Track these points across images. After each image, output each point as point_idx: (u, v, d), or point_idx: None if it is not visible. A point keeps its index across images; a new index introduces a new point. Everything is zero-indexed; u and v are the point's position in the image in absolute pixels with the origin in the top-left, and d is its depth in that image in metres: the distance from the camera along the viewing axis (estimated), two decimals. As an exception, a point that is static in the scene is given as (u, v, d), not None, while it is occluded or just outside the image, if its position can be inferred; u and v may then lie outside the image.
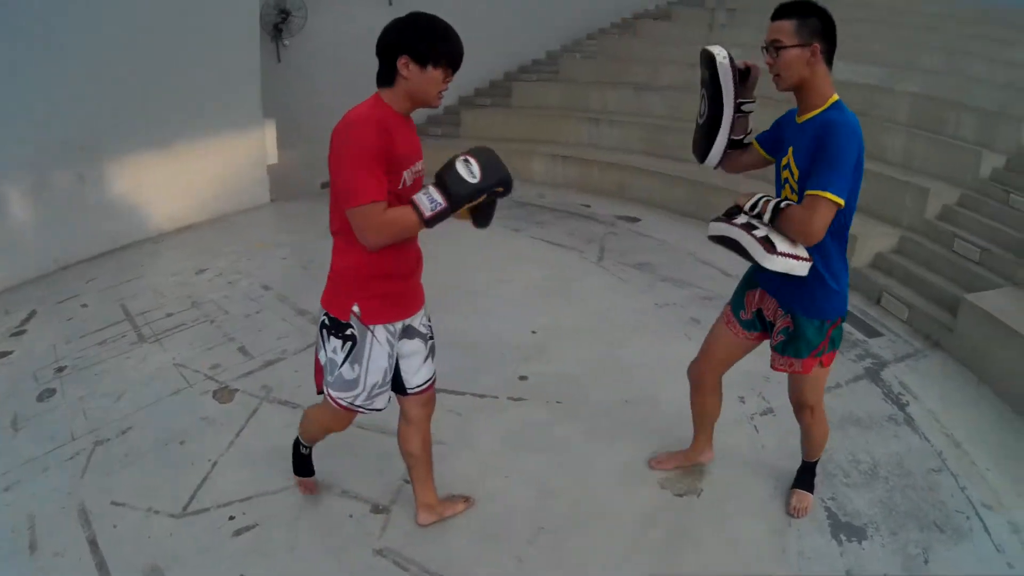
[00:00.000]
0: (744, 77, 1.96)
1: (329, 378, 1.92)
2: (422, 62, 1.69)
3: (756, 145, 2.10)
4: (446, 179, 1.65)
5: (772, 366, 2.19)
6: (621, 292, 4.34)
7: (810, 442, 2.39)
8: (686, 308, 4.12)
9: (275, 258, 4.90)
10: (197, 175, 5.63)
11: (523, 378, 3.24)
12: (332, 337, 1.86)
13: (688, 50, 8.16)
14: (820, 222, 1.77)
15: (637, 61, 8.22)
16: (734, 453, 2.75)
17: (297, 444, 2.32)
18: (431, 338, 2.05)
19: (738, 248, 1.91)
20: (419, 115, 8.27)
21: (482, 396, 3.09)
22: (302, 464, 2.36)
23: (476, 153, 1.70)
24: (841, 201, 1.75)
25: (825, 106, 1.85)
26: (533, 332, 3.71)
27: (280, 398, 3.09)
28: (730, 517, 2.42)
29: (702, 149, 2.10)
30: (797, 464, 2.53)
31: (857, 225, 4.68)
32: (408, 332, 1.97)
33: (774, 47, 1.85)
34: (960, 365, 3.58)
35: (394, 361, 1.94)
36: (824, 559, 2.24)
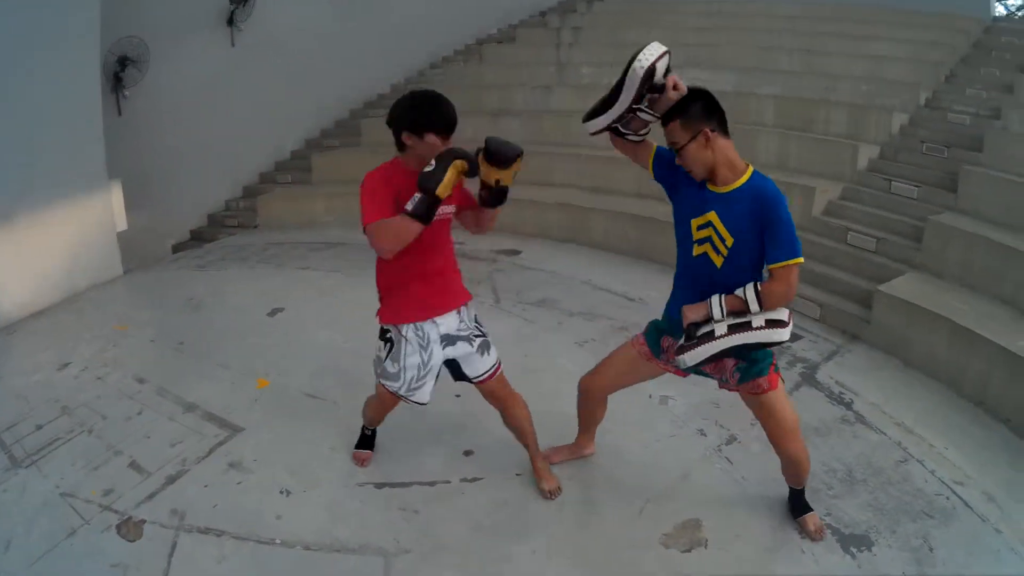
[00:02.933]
0: (656, 90, 2.20)
1: (379, 370, 2.70)
2: (419, 132, 2.36)
3: (651, 154, 2.44)
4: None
5: (742, 396, 2.53)
6: (533, 336, 4.49)
7: (798, 470, 2.67)
8: (607, 343, 4.33)
9: (142, 340, 4.68)
10: (43, 250, 5.44)
11: (468, 453, 3.24)
12: (379, 339, 2.68)
13: (538, 72, 8.99)
14: (796, 284, 2.23)
15: (488, 87, 8.77)
16: (719, 492, 2.99)
17: (363, 428, 3.18)
18: (479, 336, 2.73)
19: (744, 349, 2.24)
20: (268, 160, 7.88)
21: (432, 483, 3.05)
22: (365, 441, 3.20)
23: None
24: (802, 259, 2.19)
25: (745, 177, 2.27)
26: (457, 396, 3.68)
27: (198, 525, 2.80)
28: (745, 560, 2.63)
29: (588, 116, 2.37)
30: (781, 486, 2.83)
31: None
32: (449, 340, 2.65)
33: (675, 149, 2.25)
34: (884, 354, 4.19)
35: (432, 362, 2.63)
36: (846, 576, 2.52)
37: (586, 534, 2.77)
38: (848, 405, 3.66)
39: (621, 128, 2.35)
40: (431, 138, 2.34)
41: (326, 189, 7.58)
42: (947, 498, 2.97)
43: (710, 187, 2.30)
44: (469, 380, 2.78)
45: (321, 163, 8.08)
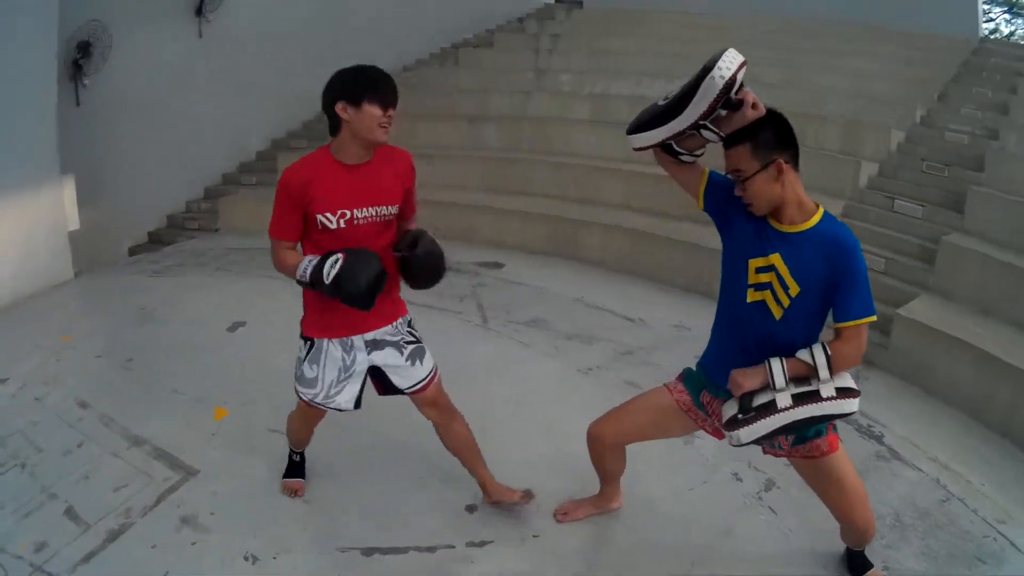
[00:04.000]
0: (730, 106, 1.95)
1: (297, 372, 2.51)
2: (356, 102, 2.17)
3: (704, 180, 2.20)
4: (321, 264, 2.16)
5: (796, 465, 2.31)
6: (530, 361, 4.27)
7: (862, 538, 2.47)
8: (612, 369, 4.20)
9: (88, 356, 4.34)
10: (-12, 252, 5.24)
11: (471, 509, 2.92)
12: (300, 337, 2.50)
13: (516, 78, 8.91)
14: (865, 343, 2.02)
15: (464, 92, 8.68)
16: (766, 549, 2.80)
17: (291, 452, 2.97)
18: (411, 342, 2.53)
19: (814, 420, 2.00)
20: (232, 161, 7.65)
21: (432, 549, 2.70)
22: (293, 469, 2.98)
23: (350, 259, 2.16)
24: (876, 317, 2.03)
25: (817, 219, 2.03)
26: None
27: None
28: None
29: (635, 127, 2.14)
30: (829, 537, 2.67)
31: None
32: (375, 345, 2.48)
33: (738, 178, 2.01)
34: (902, 381, 4.16)
35: (355, 367, 2.47)
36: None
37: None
38: (879, 439, 3.58)
39: (675, 145, 2.10)
40: (369, 108, 2.17)
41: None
42: (994, 539, 2.90)
43: (774, 224, 2.05)
44: (402, 392, 2.58)
45: (288, 163, 7.77)
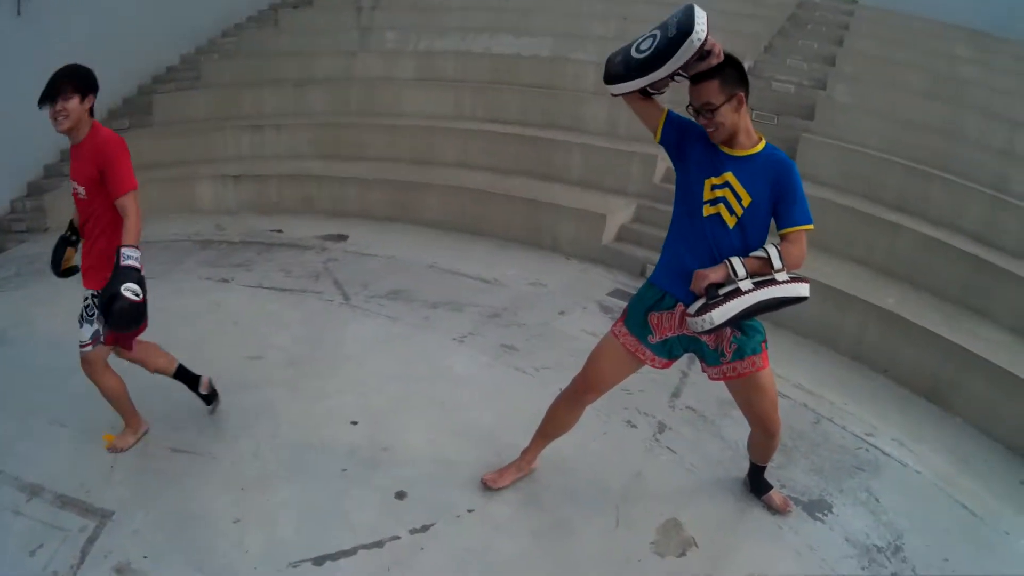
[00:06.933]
0: (701, 57, 2.29)
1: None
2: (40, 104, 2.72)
3: (663, 116, 2.52)
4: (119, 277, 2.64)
5: (728, 378, 2.63)
6: (403, 336, 4.31)
7: (770, 444, 2.88)
8: (484, 335, 4.35)
9: None
10: None
11: (401, 495, 2.95)
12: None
13: (340, 39, 8.75)
14: (806, 249, 2.43)
15: (286, 55, 8.45)
16: (677, 485, 3.12)
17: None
18: (84, 308, 2.89)
19: (769, 306, 2.35)
20: (52, 151, 6.91)
21: (380, 544, 2.70)
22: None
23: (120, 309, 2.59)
24: (813, 226, 2.43)
25: (762, 144, 2.45)
26: (353, 423, 3.44)
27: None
28: (738, 550, 2.81)
29: (616, 75, 2.44)
30: (727, 466, 3.10)
31: (596, 203, 5.64)
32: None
33: (706, 109, 2.35)
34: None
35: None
36: (830, 545, 2.85)
37: (577, 562, 2.70)
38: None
39: (648, 88, 2.43)
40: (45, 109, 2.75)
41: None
42: (867, 450, 3.45)
43: (725, 150, 2.43)
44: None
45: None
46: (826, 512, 2.99)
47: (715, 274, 2.36)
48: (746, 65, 7.19)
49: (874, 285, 4.42)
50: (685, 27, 2.22)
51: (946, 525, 3.07)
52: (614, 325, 2.72)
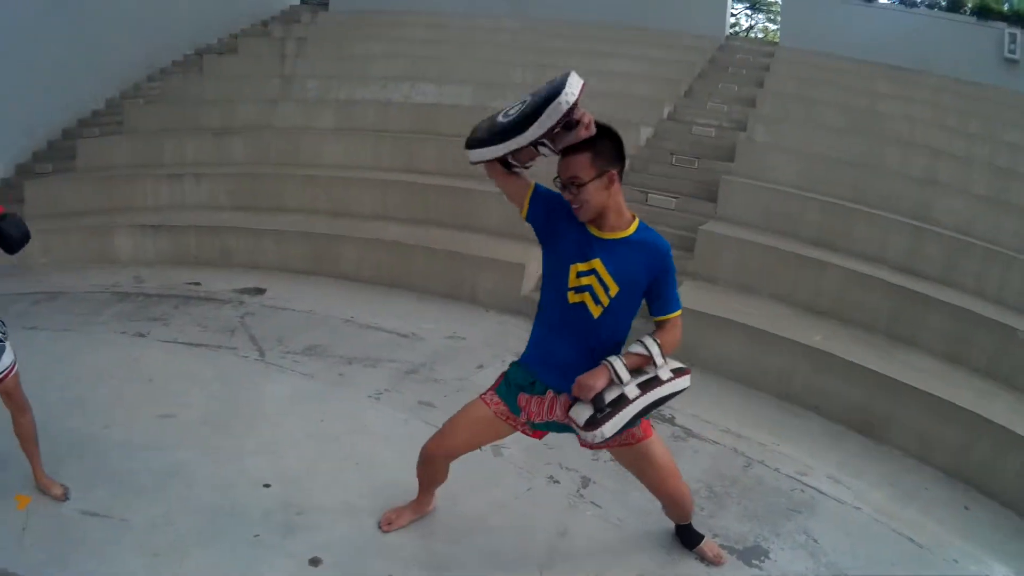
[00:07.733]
0: (568, 127, 2.16)
1: None
2: None
3: (530, 191, 2.40)
4: None
5: (616, 453, 2.61)
6: (318, 393, 4.13)
7: (683, 508, 2.80)
8: (401, 391, 4.21)
9: None
10: None
11: (316, 562, 2.79)
12: None
13: (262, 87, 8.74)
14: (680, 333, 2.41)
15: (209, 103, 8.38)
16: (603, 541, 2.99)
17: None
18: None
19: (659, 403, 2.31)
20: None
21: None
22: None
23: None
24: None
25: (634, 226, 2.35)
26: (266, 486, 3.23)
27: None
28: None
29: (475, 142, 2.33)
30: (657, 517, 2.94)
31: (514, 252, 5.61)
32: None
33: (573, 184, 2.23)
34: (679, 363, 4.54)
35: None
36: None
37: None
38: (671, 421, 3.95)
39: (510, 159, 2.29)
40: None
41: (42, 225, 6.34)
42: (802, 491, 3.38)
43: (595, 232, 2.32)
44: None
45: (35, 193, 7.19)
46: (763, 558, 2.89)
47: (598, 381, 2.26)
48: (665, 110, 7.53)
49: (800, 323, 4.42)
50: (554, 90, 2.10)
51: (891, 559, 3.03)
52: (485, 393, 2.63)
